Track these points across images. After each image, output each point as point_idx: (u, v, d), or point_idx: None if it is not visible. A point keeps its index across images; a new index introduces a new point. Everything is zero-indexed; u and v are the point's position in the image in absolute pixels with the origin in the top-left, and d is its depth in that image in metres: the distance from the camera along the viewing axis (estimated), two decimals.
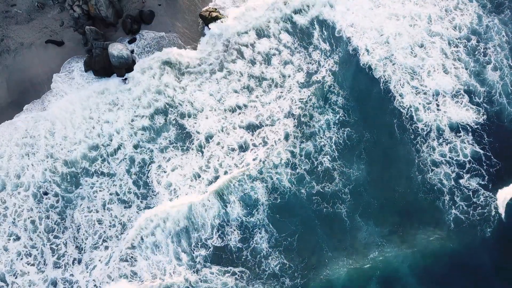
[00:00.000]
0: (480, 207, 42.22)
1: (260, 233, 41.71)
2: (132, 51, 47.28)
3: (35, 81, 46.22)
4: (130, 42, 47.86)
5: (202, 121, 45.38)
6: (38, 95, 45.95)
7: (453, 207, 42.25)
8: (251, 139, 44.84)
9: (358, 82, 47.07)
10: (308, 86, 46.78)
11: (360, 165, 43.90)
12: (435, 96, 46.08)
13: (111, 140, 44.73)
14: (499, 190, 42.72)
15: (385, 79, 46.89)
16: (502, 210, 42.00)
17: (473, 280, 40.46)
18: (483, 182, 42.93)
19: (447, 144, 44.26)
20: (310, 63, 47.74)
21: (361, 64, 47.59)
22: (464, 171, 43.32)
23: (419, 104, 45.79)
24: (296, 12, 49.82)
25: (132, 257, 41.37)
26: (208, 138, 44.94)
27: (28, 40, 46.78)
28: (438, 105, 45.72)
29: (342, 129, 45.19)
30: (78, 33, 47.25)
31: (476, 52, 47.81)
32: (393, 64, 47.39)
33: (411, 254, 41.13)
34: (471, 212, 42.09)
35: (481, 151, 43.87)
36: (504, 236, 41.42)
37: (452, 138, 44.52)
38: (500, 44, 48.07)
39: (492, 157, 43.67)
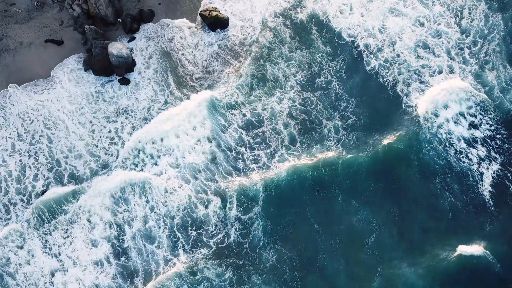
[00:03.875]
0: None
1: (258, 225, 41.52)
2: (131, 50, 47.21)
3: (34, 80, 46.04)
4: (129, 41, 47.74)
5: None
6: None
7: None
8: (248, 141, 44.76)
9: (364, 85, 47.05)
10: (312, 91, 46.72)
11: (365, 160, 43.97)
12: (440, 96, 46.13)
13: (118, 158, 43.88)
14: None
15: (392, 81, 46.92)
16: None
17: None
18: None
19: (458, 140, 44.41)
20: (313, 64, 47.70)
21: (366, 66, 47.50)
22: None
23: (425, 103, 45.66)
24: (294, 7, 50.00)
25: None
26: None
27: (28, 40, 46.63)
28: (443, 105, 45.77)
29: (352, 132, 45.22)
30: (77, 32, 47.12)
31: (479, 52, 47.83)
32: (399, 65, 47.34)
33: (409, 244, 41.24)
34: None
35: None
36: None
37: (462, 134, 44.61)
38: (499, 43, 48.14)
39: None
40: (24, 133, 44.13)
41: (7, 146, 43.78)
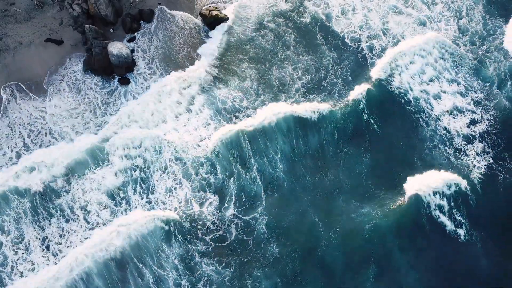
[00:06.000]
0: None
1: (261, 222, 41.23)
2: (132, 50, 46.96)
3: (34, 81, 45.63)
4: (129, 41, 47.54)
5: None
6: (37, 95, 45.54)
7: None
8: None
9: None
10: (316, 93, 46.46)
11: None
12: (441, 93, 46.25)
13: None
14: None
15: (398, 81, 46.86)
16: None
17: None
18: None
19: (457, 135, 44.53)
20: (317, 68, 47.36)
21: (371, 67, 47.32)
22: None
23: (429, 99, 45.90)
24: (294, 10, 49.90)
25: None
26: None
27: (27, 39, 46.41)
28: (440, 98, 45.88)
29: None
30: (77, 32, 46.93)
31: (478, 52, 47.84)
32: (403, 66, 47.21)
33: (403, 233, 41.08)
34: None
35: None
36: None
37: (461, 130, 44.72)
38: (499, 44, 48.19)
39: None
40: (31, 143, 43.64)
41: (12, 155, 43.09)
